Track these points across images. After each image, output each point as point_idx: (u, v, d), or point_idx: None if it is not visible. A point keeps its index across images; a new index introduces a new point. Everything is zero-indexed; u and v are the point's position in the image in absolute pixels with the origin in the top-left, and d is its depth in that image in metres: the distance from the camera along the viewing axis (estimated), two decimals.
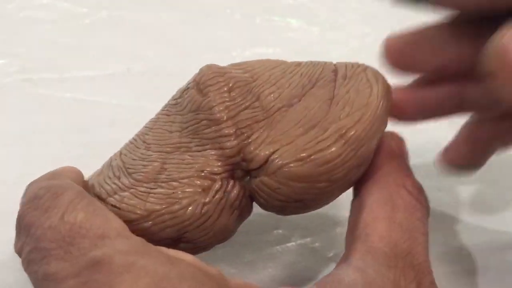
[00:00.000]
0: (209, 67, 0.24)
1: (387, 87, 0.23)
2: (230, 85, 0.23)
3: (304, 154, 0.20)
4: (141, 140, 0.23)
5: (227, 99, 0.22)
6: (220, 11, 0.43)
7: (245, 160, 0.21)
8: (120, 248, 0.17)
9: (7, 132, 0.33)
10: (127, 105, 0.35)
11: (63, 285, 0.17)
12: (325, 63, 0.24)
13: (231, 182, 0.21)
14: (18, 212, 0.20)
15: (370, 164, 0.22)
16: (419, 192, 0.22)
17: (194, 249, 0.21)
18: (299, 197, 0.21)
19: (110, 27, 0.41)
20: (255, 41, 0.41)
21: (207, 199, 0.20)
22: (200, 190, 0.21)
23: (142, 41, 0.40)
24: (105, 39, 0.40)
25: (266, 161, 0.21)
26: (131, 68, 0.38)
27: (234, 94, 0.22)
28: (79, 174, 0.23)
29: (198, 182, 0.21)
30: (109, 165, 0.23)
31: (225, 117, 0.22)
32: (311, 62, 0.24)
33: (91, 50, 0.39)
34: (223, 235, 0.22)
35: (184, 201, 0.20)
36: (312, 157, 0.20)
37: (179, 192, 0.20)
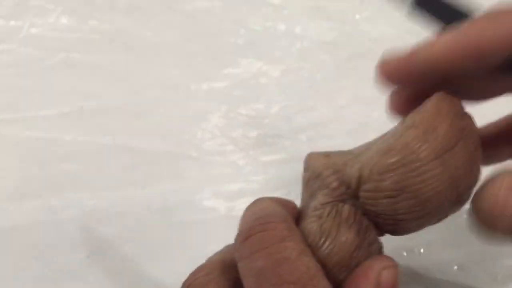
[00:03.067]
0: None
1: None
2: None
3: (387, 154, 0.22)
4: None
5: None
6: (168, 50, 0.47)
7: (347, 187, 0.24)
8: None
9: None
10: (80, 140, 0.39)
11: None
12: None
13: (341, 204, 0.24)
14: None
15: None
16: None
17: None
18: (399, 186, 0.22)
19: (66, 69, 0.45)
20: (203, 77, 0.45)
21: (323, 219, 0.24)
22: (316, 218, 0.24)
23: (95, 81, 0.44)
24: (61, 80, 0.44)
25: (360, 176, 0.23)
26: (84, 106, 0.42)
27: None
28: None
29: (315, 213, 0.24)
30: None
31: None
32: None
33: (48, 91, 0.43)
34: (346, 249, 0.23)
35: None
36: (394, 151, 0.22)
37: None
